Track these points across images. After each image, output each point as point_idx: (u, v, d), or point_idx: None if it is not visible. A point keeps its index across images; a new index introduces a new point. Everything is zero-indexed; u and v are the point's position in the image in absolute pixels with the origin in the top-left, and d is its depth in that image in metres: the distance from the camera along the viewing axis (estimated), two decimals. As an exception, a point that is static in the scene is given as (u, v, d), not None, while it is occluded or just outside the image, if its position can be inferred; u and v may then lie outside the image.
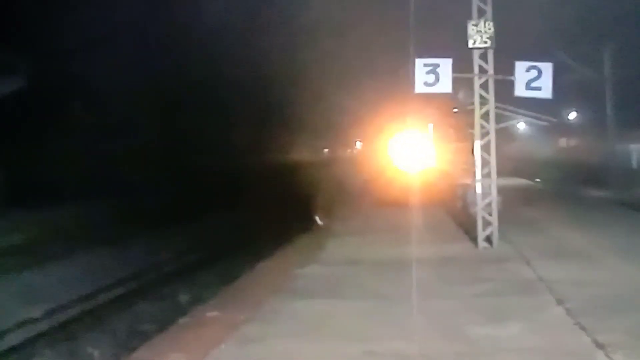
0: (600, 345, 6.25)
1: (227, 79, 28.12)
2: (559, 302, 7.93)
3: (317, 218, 20.29)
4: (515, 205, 16.73)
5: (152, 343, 7.69)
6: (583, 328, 6.81)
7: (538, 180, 30.85)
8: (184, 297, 12.84)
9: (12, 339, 10.12)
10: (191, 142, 27.65)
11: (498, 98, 12.30)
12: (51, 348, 10.03)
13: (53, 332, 10.65)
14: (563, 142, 37.99)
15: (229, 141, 30.82)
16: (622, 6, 20.03)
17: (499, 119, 13.11)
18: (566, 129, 35.08)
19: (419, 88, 11.68)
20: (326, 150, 49.05)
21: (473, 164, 12.47)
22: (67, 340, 10.35)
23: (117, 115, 22.78)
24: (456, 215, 16.48)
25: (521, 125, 34.76)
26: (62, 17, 18.80)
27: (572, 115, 35.40)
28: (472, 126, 12.44)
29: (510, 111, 14.69)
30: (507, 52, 12.16)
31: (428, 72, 11.61)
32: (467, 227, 13.94)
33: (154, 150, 24.33)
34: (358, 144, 41.08)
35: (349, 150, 46.86)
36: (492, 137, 12.07)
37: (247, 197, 23.20)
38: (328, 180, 27.81)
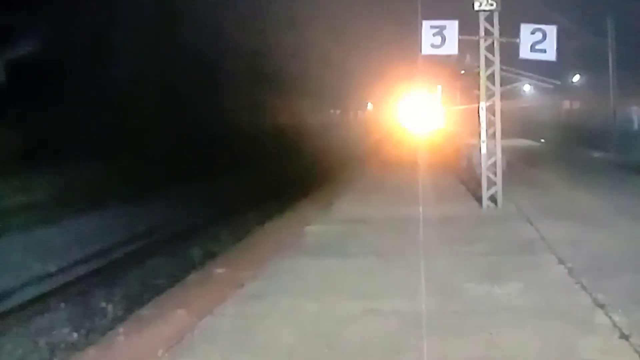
0: (600, 305, 6.36)
1: (230, 46, 27.98)
2: (560, 261, 8.07)
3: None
4: (519, 166, 16.99)
5: (159, 299, 7.86)
6: (584, 287, 6.94)
7: (542, 141, 31.05)
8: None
9: (28, 294, 10.40)
10: (192, 107, 27.46)
11: (503, 60, 12.46)
12: (65, 302, 10.30)
13: (68, 287, 10.92)
14: (567, 104, 37.95)
15: (238, 107, 30.81)
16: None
17: (504, 81, 13.26)
18: (570, 91, 35.03)
19: (426, 49, 11.85)
20: (337, 112, 48.54)
21: (479, 125, 12.69)
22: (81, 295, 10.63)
23: (124, 80, 22.76)
24: (462, 175, 16.72)
25: (526, 88, 34.88)
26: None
27: (576, 78, 35.37)
28: (478, 88, 12.63)
29: (515, 73, 14.76)
30: (511, 15, 12.31)
31: (435, 34, 11.77)
32: (472, 186, 14.18)
33: (162, 116, 24.43)
34: (369, 105, 40.67)
35: (359, 112, 46.36)
36: (497, 98, 12.26)
37: (257, 160, 23.45)
38: (337, 142, 27.95)
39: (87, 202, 16.00)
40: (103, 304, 10.04)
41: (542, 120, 38.13)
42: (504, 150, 12.61)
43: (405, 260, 8.40)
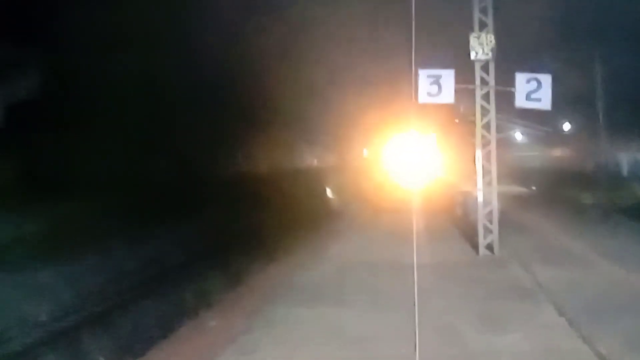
0: (601, 356, 6.37)
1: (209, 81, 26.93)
2: (559, 310, 8.09)
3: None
4: (512, 213, 17.02)
5: (149, 355, 7.86)
6: (582, 336, 6.96)
7: (534, 187, 31.21)
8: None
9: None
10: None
11: (496, 108, 12.60)
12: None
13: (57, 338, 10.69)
14: (557, 151, 38.33)
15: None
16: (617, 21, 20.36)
17: (498, 128, 13.40)
18: (560, 138, 35.40)
19: (423, 98, 11.94)
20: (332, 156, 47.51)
21: (474, 173, 12.76)
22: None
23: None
24: (458, 222, 16.77)
25: (518, 135, 35.22)
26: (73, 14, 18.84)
27: (567, 126, 35.82)
28: (473, 136, 12.73)
29: (509, 121, 14.97)
30: (504, 63, 12.51)
31: (431, 83, 11.89)
32: (468, 234, 14.21)
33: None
34: (365, 152, 40.47)
35: (355, 157, 45.34)
36: (493, 146, 12.38)
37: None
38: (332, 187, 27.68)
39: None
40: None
41: (534, 167, 38.41)
42: (497, 197, 12.65)
43: (404, 310, 8.15)
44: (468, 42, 12.12)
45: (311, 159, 44.06)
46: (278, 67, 25.63)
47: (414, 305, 7.76)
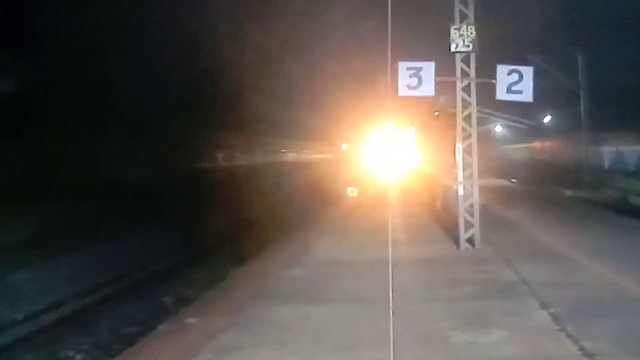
0: (589, 355, 6.21)
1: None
2: (543, 306, 7.94)
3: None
4: (493, 206, 16.92)
5: (128, 353, 7.61)
6: (568, 334, 6.80)
7: (514, 180, 31.23)
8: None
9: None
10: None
11: (477, 100, 12.45)
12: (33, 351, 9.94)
13: (36, 335, 10.55)
14: (538, 144, 38.46)
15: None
16: (597, 14, 20.39)
17: (479, 121, 13.27)
18: (541, 131, 35.51)
19: (402, 91, 11.72)
20: (311, 151, 46.81)
21: (454, 166, 12.61)
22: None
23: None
24: (437, 215, 16.64)
25: (498, 128, 35.22)
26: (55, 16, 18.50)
27: (547, 119, 35.90)
28: (453, 128, 12.57)
29: (491, 114, 14.80)
30: (485, 56, 12.35)
31: (411, 76, 11.66)
32: (448, 227, 14.06)
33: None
34: (344, 146, 40.18)
35: (334, 152, 44.91)
36: (474, 140, 12.23)
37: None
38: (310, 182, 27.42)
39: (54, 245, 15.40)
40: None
41: (514, 160, 38.53)
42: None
43: (384, 306, 7.84)
44: (448, 34, 11.93)
45: (288, 154, 43.89)
46: (253, 61, 25.38)
47: (390, 303, 7.62)
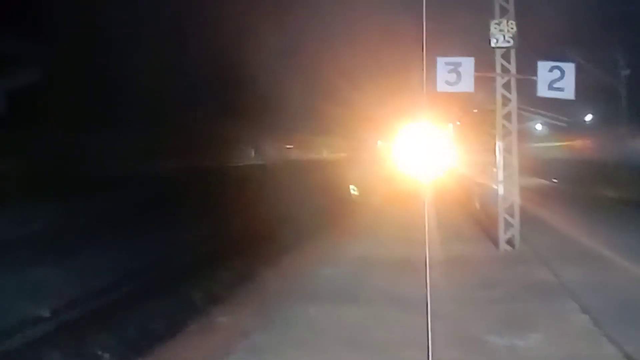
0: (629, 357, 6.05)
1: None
2: (583, 309, 7.74)
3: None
4: (533, 206, 16.58)
5: (157, 353, 7.51)
6: (611, 338, 6.60)
7: (555, 180, 30.69)
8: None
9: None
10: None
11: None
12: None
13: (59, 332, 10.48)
14: (579, 142, 37.79)
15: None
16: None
17: (518, 119, 13.00)
18: (582, 129, 34.89)
19: (441, 87, 11.53)
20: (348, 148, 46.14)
21: (493, 165, 12.36)
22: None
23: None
24: (476, 215, 16.38)
25: (538, 126, 34.67)
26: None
27: (588, 117, 35.30)
28: (492, 126, 12.31)
29: (532, 112, 14.48)
30: (524, 51, 12.07)
31: (450, 71, 11.46)
32: (486, 228, 13.81)
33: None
34: (379, 143, 39.74)
35: (370, 149, 44.19)
36: (515, 138, 11.96)
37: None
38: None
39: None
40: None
41: (554, 159, 37.85)
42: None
43: (423, 307, 7.75)
44: (488, 29, 11.67)
45: (323, 151, 43.66)
46: (287, 60, 25.27)
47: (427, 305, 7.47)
